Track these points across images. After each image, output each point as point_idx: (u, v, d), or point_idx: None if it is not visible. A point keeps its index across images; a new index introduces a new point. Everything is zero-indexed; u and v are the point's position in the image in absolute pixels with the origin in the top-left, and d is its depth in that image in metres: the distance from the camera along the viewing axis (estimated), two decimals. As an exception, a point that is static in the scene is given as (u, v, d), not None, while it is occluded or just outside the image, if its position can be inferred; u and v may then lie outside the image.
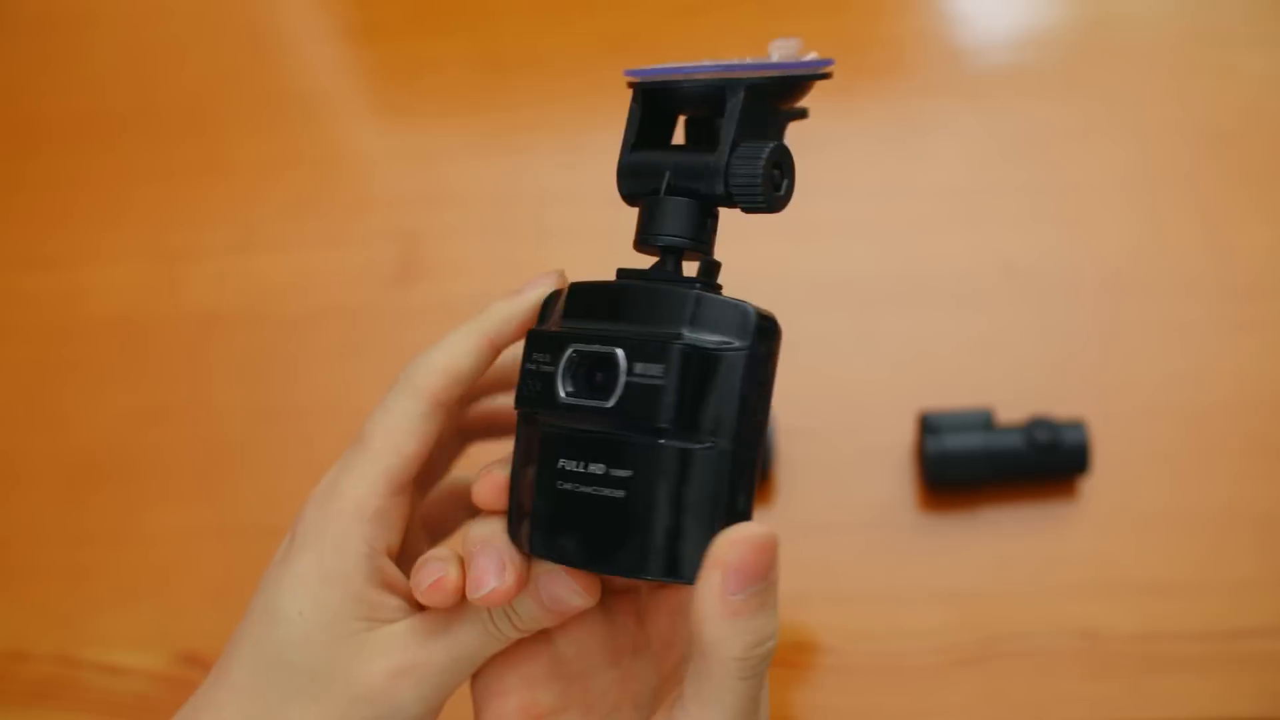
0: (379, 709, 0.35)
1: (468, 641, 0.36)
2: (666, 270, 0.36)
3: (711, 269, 0.37)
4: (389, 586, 0.36)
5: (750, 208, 0.36)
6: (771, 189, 0.36)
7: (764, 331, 0.34)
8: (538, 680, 0.38)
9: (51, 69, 0.77)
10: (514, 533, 0.36)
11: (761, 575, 0.31)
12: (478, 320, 0.38)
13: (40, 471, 0.66)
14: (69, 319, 0.69)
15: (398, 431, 0.36)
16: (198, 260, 0.70)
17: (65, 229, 0.72)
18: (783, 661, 0.58)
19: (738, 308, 0.34)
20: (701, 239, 0.36)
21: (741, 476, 0.33)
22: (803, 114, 0.38)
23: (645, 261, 0.37)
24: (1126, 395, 0.62)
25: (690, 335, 0.33)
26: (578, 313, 0.35)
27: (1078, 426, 0.58)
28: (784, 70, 0.36)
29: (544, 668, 0.38)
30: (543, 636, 0.38)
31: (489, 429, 0.45)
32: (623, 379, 0.33)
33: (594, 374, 0.33)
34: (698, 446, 0.33)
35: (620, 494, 0.33)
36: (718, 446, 0.33)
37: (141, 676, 0.60)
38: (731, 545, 0.31)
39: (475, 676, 0.39)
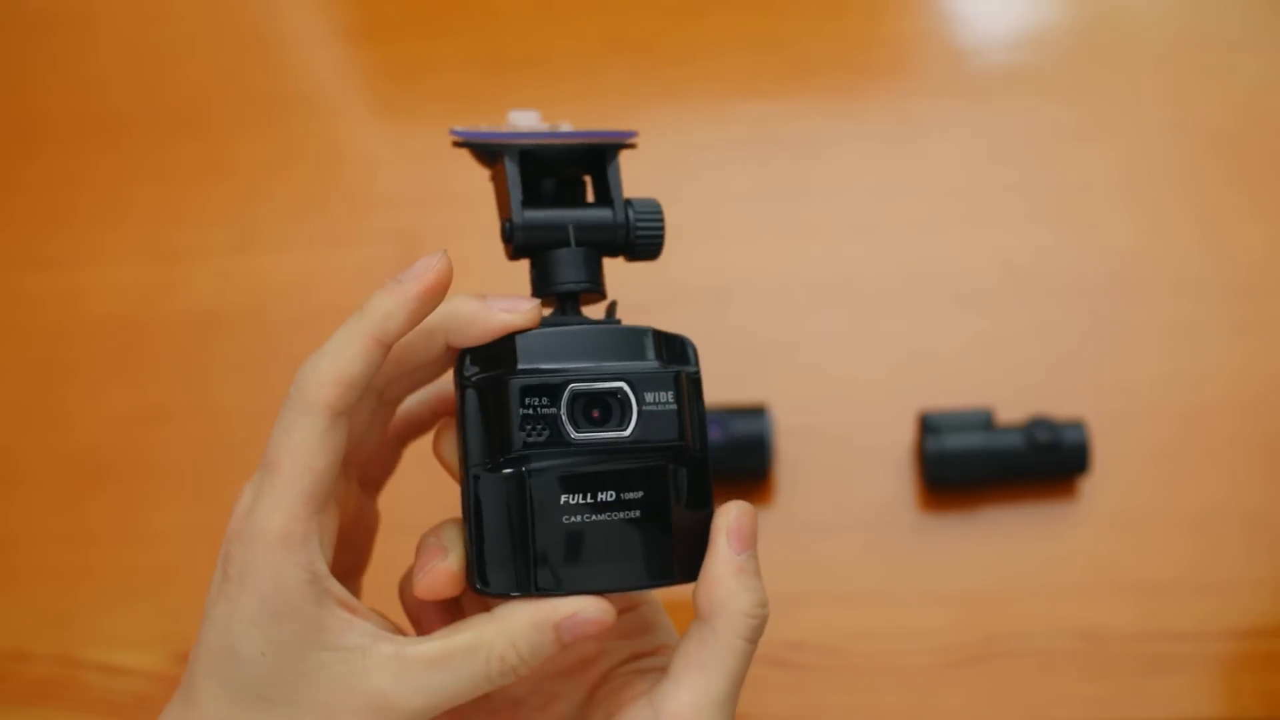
0: None
1: (454, 689, 0.35)
2: (574, 313, 0.40)
3: (614, 308, 0.41)
4: (345, 606, 0.35)
5: (644, 258, 0.41)
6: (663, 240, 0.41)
7: (697, 354, 0.39)
8: (468, 710, 0.39)
9: (53, 69, 0.77)
10: (485, 580, 0.36)
11: (754, 539, 0.36)
12: (361, 319, 0.36)
13: (41, 471, 0.66)
14: (70, 319, 0.69)
15: (303, 451, 0.35)
16: (198, 260, 0.70)
17: (66, 229, 0.72)
18: (783, 661, 0.58)
19: (681, 339, 0.39)
20: (600, 282, 0.40)
21: (710, 474, 0.38)
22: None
23: None
24: (1126, 395, 0.62)
25: (676, 365, 0.38)
26: (533, 358, 0.37)
27: (1078, 426, 0.59)
28: (600, 139, 0.40)
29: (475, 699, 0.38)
30: None
31: (436, 413, 0.44)
32: (635, 409, 0.36)
33: (593, 410, 0.36)
34: (694, 458, 0.37)
35: (635, 514, 0.36)
36: (702, 454, 0.38)
37: (141, 676, 0.60)
38: (734, 513, 0.36)
39: None
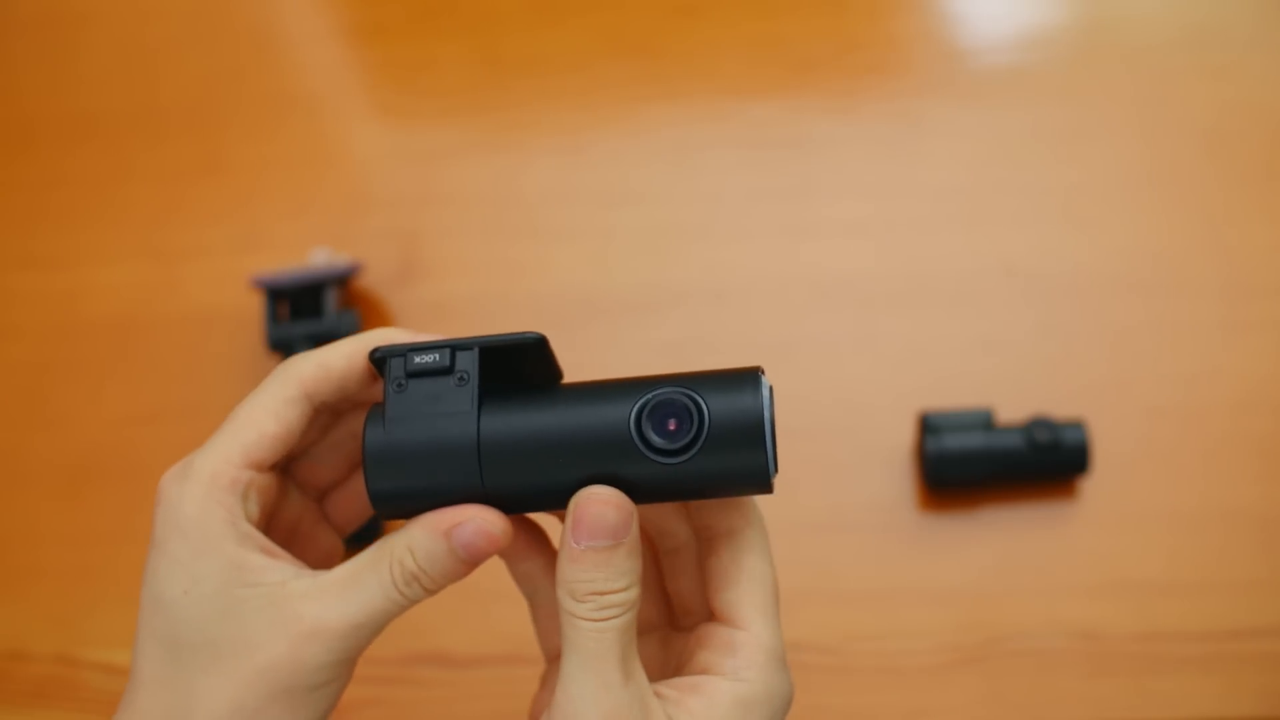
0: (288, 676, 0.35)
1: (370, 605, 0.36)
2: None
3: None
4: (265, 551, 0.36)
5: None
6: None
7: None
8: None
9: (51, 69, 0.77)
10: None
11: (602, 530, 0.35)
12: (364, 335, 0.39)
13: (40, 471, 0.66)
14: (69, 319, 0.69)
15: (260, 410, 0.37)
16: (198, 260, 0.70)
17: (65, 229, 0.72)
18: (783, 661, 0.58)
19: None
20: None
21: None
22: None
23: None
24: (1126, 395, 0.62)
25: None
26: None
27: (1078, 426, 0.58)
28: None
29: None
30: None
31: None
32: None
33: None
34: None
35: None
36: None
37: (141, 676, 0.60)
38: (582, 503, 0.35)
39: (547, 660, 0.42)
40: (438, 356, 0.36)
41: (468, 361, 0.36)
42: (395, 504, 0.36)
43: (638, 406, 0.35)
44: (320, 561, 0.42)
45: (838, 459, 0.62)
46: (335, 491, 0.43)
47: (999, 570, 0.59)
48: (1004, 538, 0.60)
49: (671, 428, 0.35)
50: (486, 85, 0.73)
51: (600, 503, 0.35)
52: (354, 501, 0.43)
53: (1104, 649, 0.57)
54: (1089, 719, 0.56)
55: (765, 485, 0.35)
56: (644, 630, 0.41)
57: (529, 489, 0.36)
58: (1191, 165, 0.67)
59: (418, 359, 0.36)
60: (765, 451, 0.35)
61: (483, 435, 0.35)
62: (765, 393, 0.35)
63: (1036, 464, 0.58)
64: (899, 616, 0.58)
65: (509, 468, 0.35)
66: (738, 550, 0.38)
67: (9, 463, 0.66)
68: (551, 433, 0.35)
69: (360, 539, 0.47)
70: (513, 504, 0.36)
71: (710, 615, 0.39)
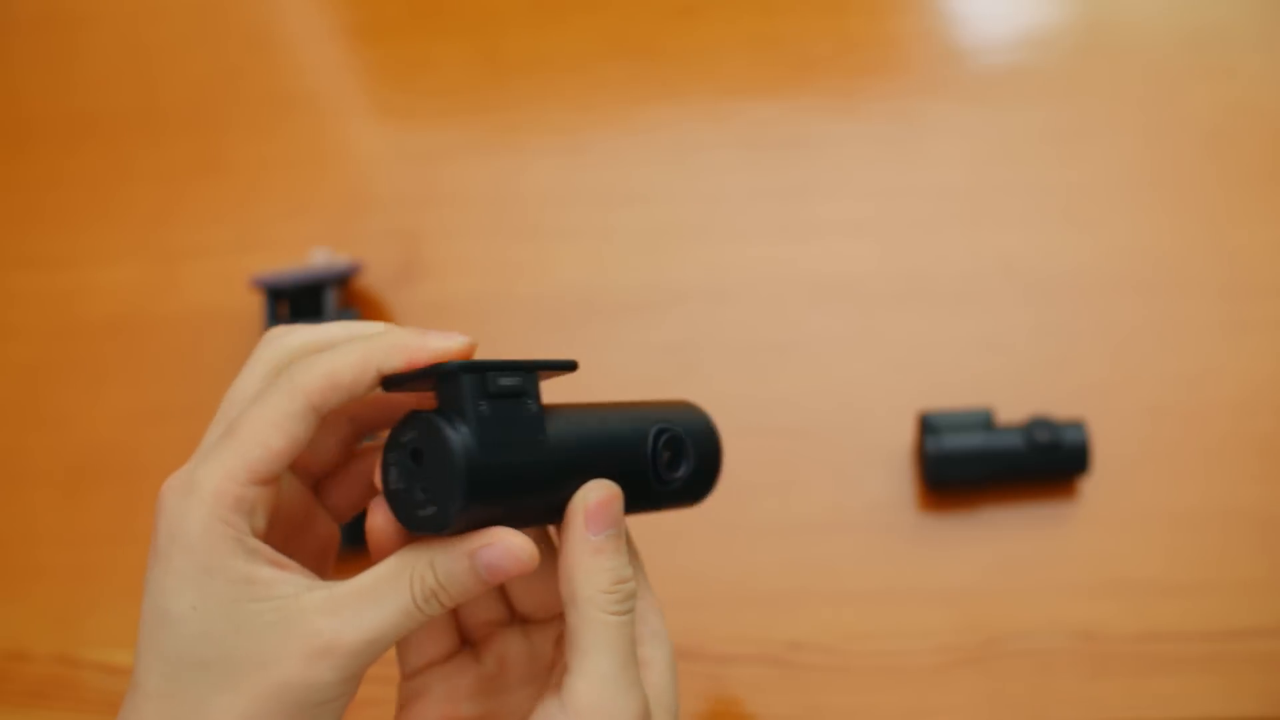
0: (300, 692, 0.34)
1: (387, 621, 0.35)
2: None
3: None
4: (274, 564, 0.36)
5: None
6: None
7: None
8: (461, 693, 0.41)
9: (51, 69, 0.77)
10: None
11: (615, 519, 0.37)
12: (370, 340, 0.37)
13: (40, 471, 0.66)
14: (69, 319, 0.69)
15: (266, 424, 0.36)
16: (198, 260, 0.70)
17: (65, 229, 0.72)
18: (783, 661, 0.58)
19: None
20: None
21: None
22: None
23: None
24: (1126, 395, 0.62)
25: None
26: None
27: (1078, 426, 0.58)
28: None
29: (470, 681, 0.41)
30: (471, 653, 0.42)
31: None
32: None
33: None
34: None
35: None
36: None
37: (141, 676, 0.60)
38: (593, 496, 0.37)
39: (404, 677, 0.41)
40: (520, 380, 0.37)
41: (531, 384, 0.37)
42: (475, 525, 0.36)
43: (653, 436, 0.40)
44: (318, 551, 0.42)
45: (838, 459, 0.62)
46: (332, 477, 0.42)
47: (999, 570, 0.59)
48: (1004, 538, 0.60)
49: (668, 458, 0.40)
50: (486, 85, 0.73)
51: (610, 494, 0.37)
52: (352, 487, 0.42)
53: (1104, 649, 0.57)
54: (1089, 719, 0.56)
55: (701, 500, 0.43)
56: (505, 625, 0.42)
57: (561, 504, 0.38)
58: (1193, 166, 0.67)
59: (501, 381, 0.36)
60: (719, 475, 0.43)
61: (552, 458, 0.37)
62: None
63: (1036, 464, 0.58)
64: (899, 616, 0.58)
65: (567, 487, 0.37)
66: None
67: (9, 463, 0.66)
68: (598, 453, 0.38)
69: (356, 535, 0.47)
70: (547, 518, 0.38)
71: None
